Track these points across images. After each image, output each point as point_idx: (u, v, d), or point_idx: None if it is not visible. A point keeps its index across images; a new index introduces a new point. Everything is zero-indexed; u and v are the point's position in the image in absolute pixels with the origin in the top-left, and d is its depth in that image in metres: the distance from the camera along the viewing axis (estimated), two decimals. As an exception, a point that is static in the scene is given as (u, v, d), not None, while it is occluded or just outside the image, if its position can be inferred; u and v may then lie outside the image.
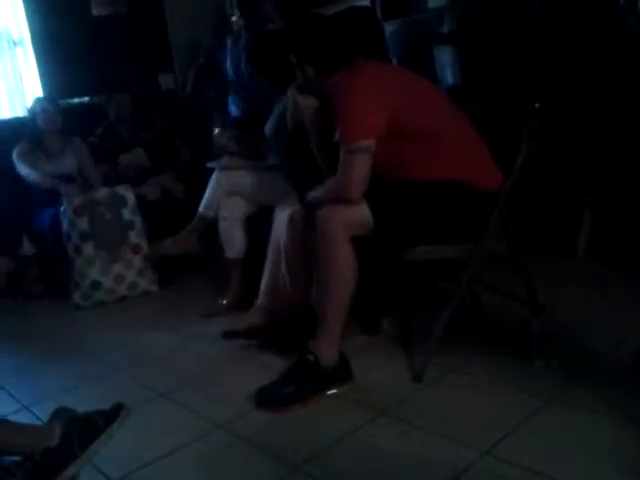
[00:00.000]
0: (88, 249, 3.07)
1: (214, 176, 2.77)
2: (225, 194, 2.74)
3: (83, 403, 2.06)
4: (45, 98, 3.65)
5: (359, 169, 1.85)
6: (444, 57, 3.52)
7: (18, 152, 3.43)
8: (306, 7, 3.74)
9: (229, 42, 3.84)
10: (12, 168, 3.43)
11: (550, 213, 2.92)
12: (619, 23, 2.82)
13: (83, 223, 3.06)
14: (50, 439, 1.56)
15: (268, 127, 2.85)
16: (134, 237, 3.15)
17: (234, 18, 3.78)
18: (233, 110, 3.85)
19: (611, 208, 2.79)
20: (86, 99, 4.01)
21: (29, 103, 4.21)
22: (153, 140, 3.75)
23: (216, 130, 2.81)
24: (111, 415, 1.67)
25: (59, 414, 1.67)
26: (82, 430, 1.60)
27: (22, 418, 1.97)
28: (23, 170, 3.40)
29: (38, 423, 1.79)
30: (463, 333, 2.21)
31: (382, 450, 1.64)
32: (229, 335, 2.36)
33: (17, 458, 1.55)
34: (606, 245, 2.83)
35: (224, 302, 2.76)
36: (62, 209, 3.09)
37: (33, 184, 3.40)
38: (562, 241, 2.93)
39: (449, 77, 3.51)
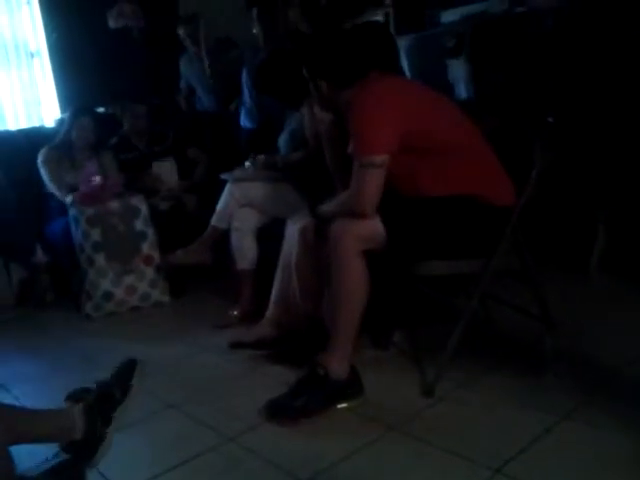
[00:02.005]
0: (100, 260, 3.08)
1: (227, 188, 2.78)
2: (237, 205, 2.75)
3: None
4: (85, 112, 3.55)
5: (372, 184, 1.85)
6: (457, 71, 3.52)
7: (44, 158, 3.45)
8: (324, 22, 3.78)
9: (247, 55, 3.88)
10: (28, 177, 3.46)
11: (563, 228, 2.90)
12: (636, 35, 2.81)
13: (96, 234, 3.07)
14: (70, 425, 1.58)
15: (282, 142, 2.86)
16: (146, 248, 3.16)
17: (255, 31, 3.83)
18: (246, 123, 3.88)
19: (625, 223, 2.77)
20: (101, 109, 4.04)
21: (45, 113, 4.29)
22: (166, 151, 3.75)
23: (246, 163, 2.84)
24: (127, 378, 1.69)
25: (75, 396, 1.67)
26: (102, 410, 1.63)
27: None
28: (45, 177, 3.43)
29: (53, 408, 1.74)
30: (475, 348, 2.19)
31: (392, 466, 1.63)
32: (236, 346, 2.36)
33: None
34: (619, 260, 2.81)
35: (235, 313, 2.76)
36: (71, 218, 3.11)
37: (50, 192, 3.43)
38: (575, 256, 2.91)
39: (462, 91, 3.51)
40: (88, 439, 1.58)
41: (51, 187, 3.41)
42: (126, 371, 1.73)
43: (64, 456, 1.60)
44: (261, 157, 2.81)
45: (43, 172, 3.43)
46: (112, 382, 1.70)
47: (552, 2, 3.09)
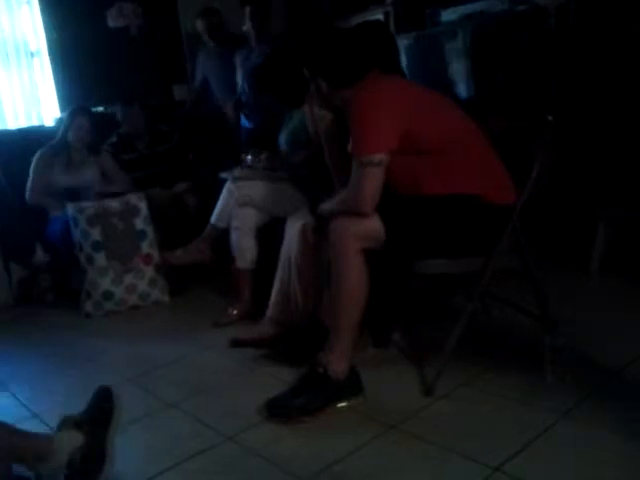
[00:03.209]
0: (100, 259, 3.08)
1: (226, 187, 2.78)
2: (237, 205, 2.74)
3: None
4: (83, 112, 3.50)
5: (371, 183, 1.85)
6: (458, 71, 3.52)
7: (38, 156, 3.44)
8: (320, 21, 3.79)
9: (240, 57, 3.89)
10: (27, 176, 3.45)
11: (564, 227, 2.90)
12: (636, 35, 2.80)
13: (95, 233, 3.07)
14: (55, 449, 1.55)
15: (282, 140, 2.86)
16: (146, 247, 3.15)
17: (245, 28, 3.84)
18: (246, 124, 3.88)
19: (626, 222, 2.77)
20: (100, 109, 4.04)
21: (45, 112, 4.28)
22: (169, 152, 3.74)
23: (249, 157, 2.83)
24: (106, 406, 1.70)
25: (67, 422, 1.65)
26: (95, 431, 1.62)
27: (31, 425, 1.96)
28: (30, 176, 3.44)
29: (40, 432, 1.72)
30: (475, 347, 2.19)
31: (392, 465, 1.63)
32: (236, 343, 2.36)
33: None
34: (620, 259, 2.80)
35: (234, 312, 2.76)
36: (71, 217, 3.11)
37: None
38: (575, 256, 2.91)
39: (463, 90, 3.51)
40: (89, 456, 1.57)
41: (29, 188, 3.42)
42: (103, 400, 1.74)
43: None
44: (264, 155, 2.79)
45: (31, 170, 3.44)
46: (94, 416, 1.69)
47: (554, 0, 3.08)
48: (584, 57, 2.97)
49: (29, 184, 3.43)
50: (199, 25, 4.21)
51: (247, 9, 3.81)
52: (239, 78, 3.91)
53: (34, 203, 3.43)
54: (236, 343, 2.35)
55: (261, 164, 2.79)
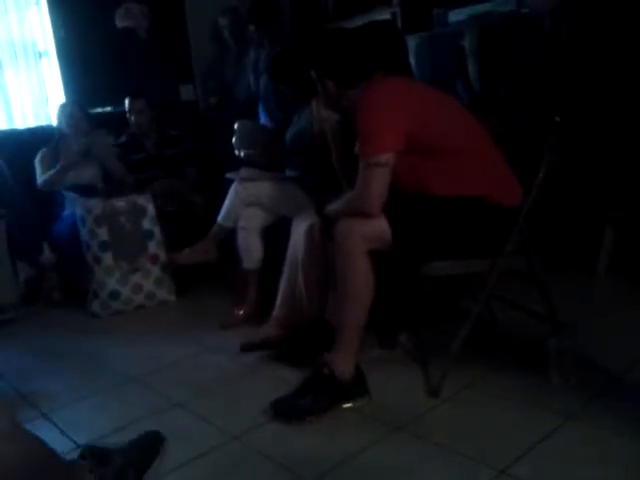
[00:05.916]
0: (107, 259, 3.09)
1: (233, 187, 2.78)
2: (243, 205, 2.75)
3: (100, 411, 2.08)
4: (72, 102, 3.64)
5: (378, 183, 1.85)
6: (465, 71, 3.52)
7: (40, 156, 3.50)
8: (326, 21, 3.79)
9: (252, 55, 3.90)
10: (35, 176, 3.48)
11: (571, 229, 2.89)
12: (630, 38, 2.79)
13: (103, 233, 3.08)
14: None
15: (289, 138, 2.86)
16: (153, 247, 3.16)
17: (252, 27, 3.85)
18: (266, 124, 3.88)
19: (633, 224, 2.76)
20: (109, 109, 4.05)
21: (53, 112, 4.30)
22: (177, 157, 3.75)
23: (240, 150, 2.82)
24: (147, 459, 1.58)
25: (92, 457, 1.50)
26: None
27: (40, 425, 1.98)
28: (37, 172, 3.48)
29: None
30: (480, 349, 2.19)
31: (397, 466, 1.63)
32: (247, 348, 2.36)
33: None
34: (627, 262, 2.79)
35: (241, 312, 2.76)
36: (78, 217, 3.13)
37: (45, 187, 3.47)
38: (582, 258, 2.90)
39: (470, 91, 3.50)
40: None
41: (44, 176, 3.45)
42: (149, 448, 1.62)
43: None
44: (250, 150, 2.76)
45: (37, 170, 3.49)
46: (131, 457, 1.55)
47: (551, 3, 3.06)
48: (581, 59, 2.96)
49: (39, 170, 3.47)
50: (221, 22, 4.22)
51: (251, 27, 3.84)
52: (252, 78, 3.92)
53: (47, 187, 3.47)
54: (247, 347, 2.36)
55: (243, 155, 2.76)
